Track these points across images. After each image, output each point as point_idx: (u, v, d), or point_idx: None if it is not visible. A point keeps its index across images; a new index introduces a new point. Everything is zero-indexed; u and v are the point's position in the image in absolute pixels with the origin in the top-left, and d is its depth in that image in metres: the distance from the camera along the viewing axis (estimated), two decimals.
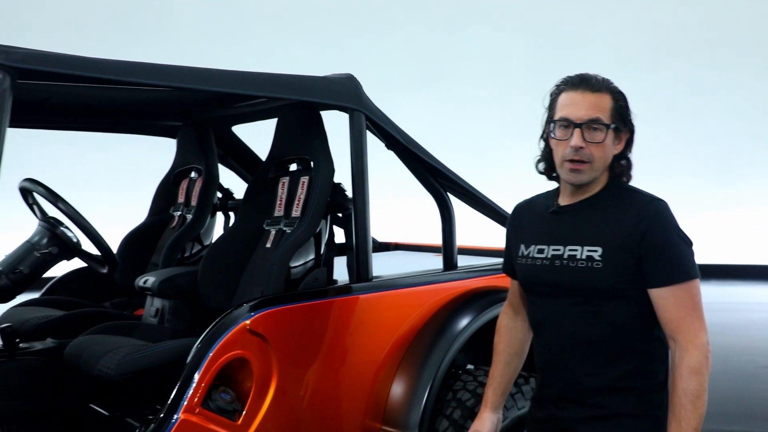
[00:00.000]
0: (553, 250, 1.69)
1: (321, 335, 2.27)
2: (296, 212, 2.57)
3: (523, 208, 1.87)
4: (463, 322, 2.53)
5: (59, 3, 11.63)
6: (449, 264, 2.79)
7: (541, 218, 1.76)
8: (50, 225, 2.17)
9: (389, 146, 2.66)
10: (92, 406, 2.33)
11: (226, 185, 3.48)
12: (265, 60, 11.65)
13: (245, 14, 12.17)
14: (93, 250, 2.75)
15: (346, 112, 2.46)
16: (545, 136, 1.73)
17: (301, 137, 2.60)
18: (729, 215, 11.32)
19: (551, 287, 1.69)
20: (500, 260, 3.07)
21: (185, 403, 1.97)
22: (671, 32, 11.57)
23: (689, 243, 1.61)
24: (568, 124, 1.61)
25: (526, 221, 1.82)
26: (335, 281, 2.56)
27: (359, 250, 2.41)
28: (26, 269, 2.14)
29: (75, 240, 2.20)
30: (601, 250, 1.61)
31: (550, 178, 1.79)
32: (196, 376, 1.99)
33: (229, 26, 12.07)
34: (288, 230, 2.55)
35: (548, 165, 1.76)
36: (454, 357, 2.79)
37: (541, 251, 1.71)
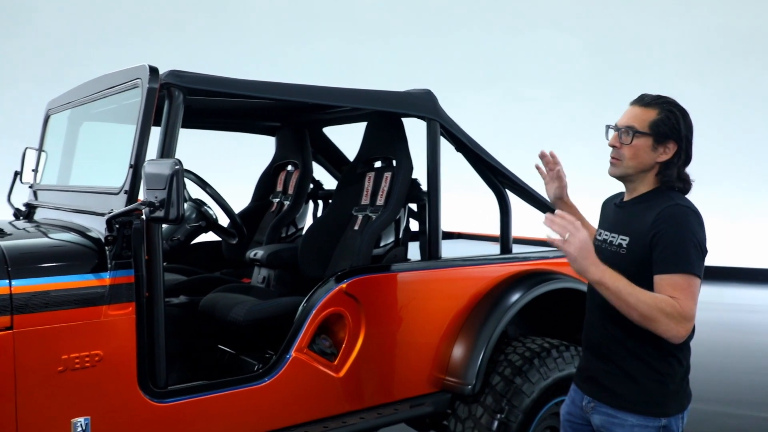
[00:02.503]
0: (605, 235, 2.08)
1: (400, 300, 2.83)
2: (380, 201, 3.14)
3: (607, 201, 2.23)
4: (514, 297, 3.04)
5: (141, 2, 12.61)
6: (505, 249, 3.31)
7: (612, 210, 2.14)
8: (197, 204, 2.80)
9: (458, 149, 3.19)
10: (220, 346, 2.97)
11: (316, 178, 4.09)
12: (335, 58, 12.31)
13: (315, 15, 12.82)
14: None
15: (424, 121, 3.01)
16: None
17: (386, 140, 3.18)
18: None
19: None
20: (548, 249, 3.60)
21: (296, 344, 2.55)
22: (731, 37, 11.62)
23: (698, 247, 1.84)
24: (613, 128, 2.01)
25: (605, 211, 2.19)
26: (409, 260, 3.12)
27: (431, 233, 2.97)
28: (182, 237, 2.77)
29: (215, 216, 2.83)
30: (628, 239, 1.95)
31: None
32: (305, 325, 2.58)
33: (301, 26, 12.74)
34: (373, 216, 3.12)
35: None
36: (506, 328, 3.33)
37: (600, 234, 2.11)
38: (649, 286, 1.85)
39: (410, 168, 3.08)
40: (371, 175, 3.25)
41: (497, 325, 2.96)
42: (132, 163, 2.24)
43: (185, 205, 2.85)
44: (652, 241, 1.87)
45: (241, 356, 2.85)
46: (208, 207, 2.81)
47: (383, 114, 3.18)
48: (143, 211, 2.09)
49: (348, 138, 4.25)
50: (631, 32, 12.17)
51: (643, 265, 1.89)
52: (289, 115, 3.92)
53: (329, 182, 4.22)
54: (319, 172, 4.25)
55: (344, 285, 2.66)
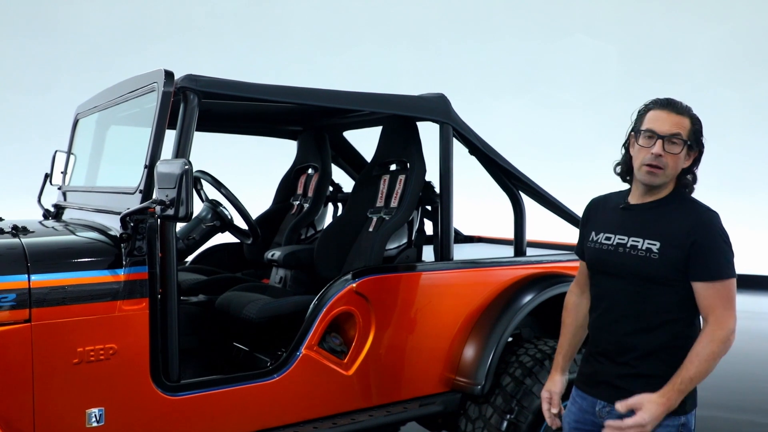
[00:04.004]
0: (619, 238, 2.02)
1: (410, 300, 2.86)
2: (394, 203, 3.18)
3: (598, 201, 2.20)
4: (525, 299, 3.05)
5: (181, 7, 12.93)
6: (518, 251, 3.32)
7: (613, 212, 2.09)
8: (213, 205, 2.88)
9: (471, 152, 3.23)
10: (235, 344, 3.05)
11: (336, 181, 4.16)
12: (372, 64, 12.43)
13: (354, 21, 12.97)
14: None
15: (438, 124, 3.05)
16: (627, 145, 2.06)
17: (401, 143, 3.22)
18: None
19: (613, 268, 2.02)
20: (561, 251, 3.60)
21: (306, 342, 2.60)
22: (765, 43, 11.39)
23: (731, 248, 1.92)
24: (653, 134, 1.93)
25: (600, 213, 2.15)
26: (423, 261, 3.15)
27: (443, 235, 3.00)
28: (197, 236, 2.86)
29: (230, 217, 2.91)
30: (659, 244, 1.93)
31: (624, 180, 2.12)
32: (315, 323, 2.63)
33: (339, 32, 12.90)
34: (387, 218, 3.17)
35: (624, 169, 2.08)
36: (520, 330, 3.34)
37: (608, 238, 2.05)
38: (678, 286, 1.93)
39: (423, 170, 3.12)
40: (386, 177, 3.30)
41: (507, 326, 2.98)
42: (147, 163, 2.33)
43: (203, 206, 2.93)
44: (691, 249, 1.91)
45: (254, 353, 2.92)
46: (224, 208, 2.89)
47: (398, 118, 3.23)
48: (156, 209, 2.17)
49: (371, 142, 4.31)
50: (665, 38, 12.03)
51: (675, 268, 1.93)
52: (311, 120, 4.00)
53: (350, 185, 4.29)
54: (341, 176, 4.32)
55: (354, 285, 2.70)
